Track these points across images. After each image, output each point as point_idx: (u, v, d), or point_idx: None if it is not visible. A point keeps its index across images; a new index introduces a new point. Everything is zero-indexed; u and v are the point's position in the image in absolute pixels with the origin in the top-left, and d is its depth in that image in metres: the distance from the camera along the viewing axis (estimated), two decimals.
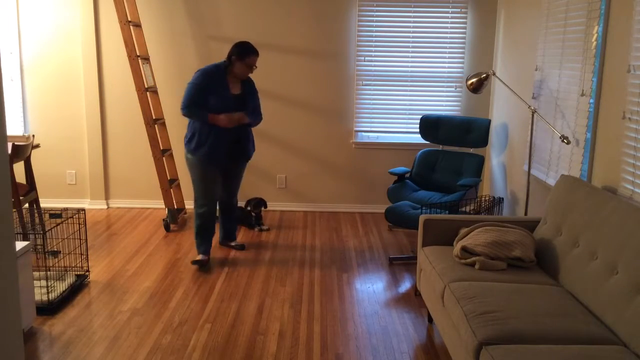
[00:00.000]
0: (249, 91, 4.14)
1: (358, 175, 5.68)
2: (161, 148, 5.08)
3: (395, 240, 4.87)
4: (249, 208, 5.12)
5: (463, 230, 3.23)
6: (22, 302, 3.01)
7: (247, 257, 4.39)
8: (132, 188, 5.69)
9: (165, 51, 5.41)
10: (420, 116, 5.12)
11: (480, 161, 4.77)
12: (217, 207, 4.39)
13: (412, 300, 3.69)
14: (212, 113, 3.93)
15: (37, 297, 3.42)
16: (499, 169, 5.12)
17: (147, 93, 4.94)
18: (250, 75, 4.26)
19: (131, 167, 5.64)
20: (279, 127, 5.60)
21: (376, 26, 5.38)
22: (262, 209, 5.26)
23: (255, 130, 5.61)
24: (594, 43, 3.29)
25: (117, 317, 3.39)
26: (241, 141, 4.16)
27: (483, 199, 4.62)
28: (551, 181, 3.86)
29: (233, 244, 4.58)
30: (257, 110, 4.21)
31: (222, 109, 3.95)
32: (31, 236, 4.27)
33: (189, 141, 4.04)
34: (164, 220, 5.03)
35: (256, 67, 4.04)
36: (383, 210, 5.67)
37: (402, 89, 5.49)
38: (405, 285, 3.94)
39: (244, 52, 3.95)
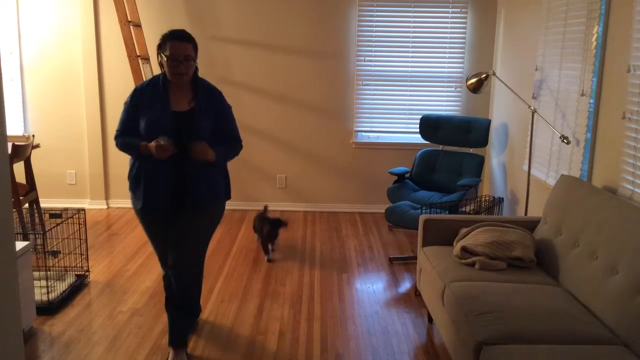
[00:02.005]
0: (205, 106, 2.79)
1: (358, 175, 5.68)
2: None
3: (395, 240, 4.87)
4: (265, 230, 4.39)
5: (463, 230, 3.23)
6: (22, 302, 3.01)
7: (247, 257, 4.39)
8: None
9: None
10: (420, 116, 5.12)
11: (480, 161, 4.77)
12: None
13: (412, 300, 3.69)
14: (146, 140, 2.71)
15: (37, 297, 3.41)
16: (499, 169, 5.12)
17: None
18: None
19: None
20: (279, 127, 5.60)
21: (376, 26, 5.38)
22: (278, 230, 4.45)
23: (254, 130, 5.61)
24: (594, 43, 3.29)
25: (117, 317, 3.39)
26: (188, 181, 2.77)
27: (483, 199, 4.62)
28: (551, 181, 3.86)
29: (170, 356, 2.89)
30: (229, 135, 2.92)
31: (156, 131, 2.68)
32: (31, 236, 4.27)
33: (129, 183, 2.88)
34: None
35: (194, 59, 2.74)
36: (383, 210, 5.66)
37: (402, 89, 5.49)
38: (405, 285, 3.94)
39: (162, 43, 2.73)
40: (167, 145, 2.64)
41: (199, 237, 2.89)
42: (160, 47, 2.74)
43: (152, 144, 2.65)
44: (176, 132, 2.70)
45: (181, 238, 2.83)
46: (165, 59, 2.70)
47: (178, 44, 2.69)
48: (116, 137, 2.82)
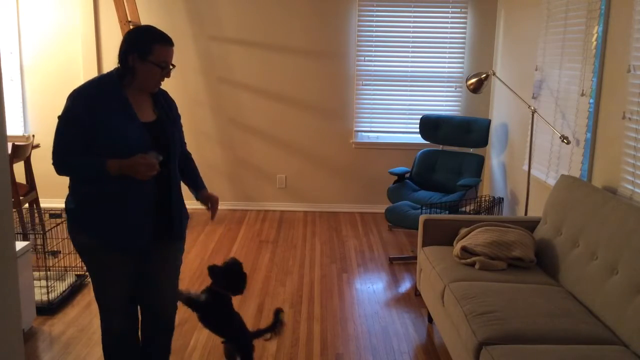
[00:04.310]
0: (168, 114, 2.35)
1: (358, 175, 5.68)
2: None
3: (395, 240, 4.87)
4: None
5: (463, 230, 3.23)
6: (22, 302, 3.01)
7: (247, 257, 4.39)
8: None
9: None
10: (420, 116, 5.12)
11: (480, 161, 4.77)
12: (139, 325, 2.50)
13: (412, 300, 3.69)
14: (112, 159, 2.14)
15: (37, 297, 3.41)
16: (499, 169, 5.12)
17: None
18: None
19: None
20: (279, 127, 5.60)
21: (376, 26, 5.38)
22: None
23: (254, 130, 5.61)
24: (594, 43, 3.29)
25: None
26: (172, 205, 2.33)
27: (483, 199, 4.62)
28: (551, 181, 3.86)
29: None
30: (184, 147, 2.48)
31: (130, 150, 2.14)
32: (31, 236, 4.27)
33: (75, 214, 2.25)
34: None
35: (173, 65, 2.28)
36: (383, 210, 5.66)
37: (402, 89, 5.49)
38: (405, 285, 3.94)
39: (147, 45, 2.18)
40: (155, 162, 2.13)
41: (177, 271, 2.49)
42: (140, 49, 2.17)
43: (137, 160, 2.11)
44: (151, 147, 2.19)
45: (163, 276, 2.42)
46: (149, 64, 2.18)
47: (169, 49, 2.23)
48: (62, 159, 2.16)
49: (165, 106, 2.34)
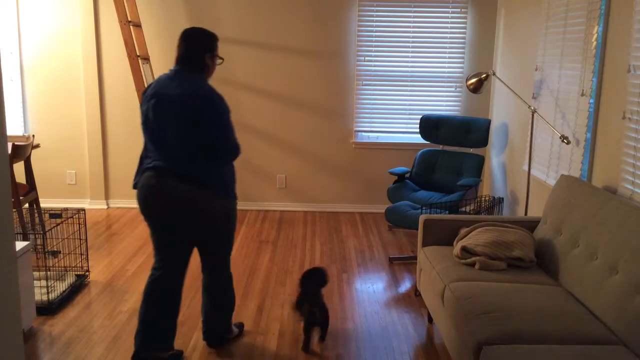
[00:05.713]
0: None
1: (358, 175, 5.69)
2: None
3: (395, 240, 4.87)
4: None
5: (463, 230, 3.23)
6: (22, 302, 3.01)
7: (247, 257, 4.39)
8: (132, 188, 5.68)
9: (165, 51, 5.41)
10: (420, 116, 5.12)
11: (480, 161, 4.77)
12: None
13: (412, 300, 3.69)
14: None
15: (37, 297, 3.42)
16: (499, 169, 5.12)
17: None
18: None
19: (131, 167, 5.64)
20: (279, 127, 5.60)
21: (376, 26, 5.38)
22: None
23: (254, 130, 5.63)
24: (594, 43, 3.29)
25: (117, 317, 3.39)
26: None
27: (483, 199, 4.62)
28: (551, 181, 3.86)
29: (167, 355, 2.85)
30: None
31: None
32: (31, 236, 4.27)
33: (229, 186, 2.82)
34: None
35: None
36: (383, 210, 5.67)
37: (402, 89, 5.49)
38: (405, 285, 3.94)
39: (213, 42, 2.78)
40: None
41: None
42: (211, 48, 2.77)
43: None
44: None
45: None
46: (216, 58, 2.79)
47: None
48: (239, 145, 2.77)
49: None
